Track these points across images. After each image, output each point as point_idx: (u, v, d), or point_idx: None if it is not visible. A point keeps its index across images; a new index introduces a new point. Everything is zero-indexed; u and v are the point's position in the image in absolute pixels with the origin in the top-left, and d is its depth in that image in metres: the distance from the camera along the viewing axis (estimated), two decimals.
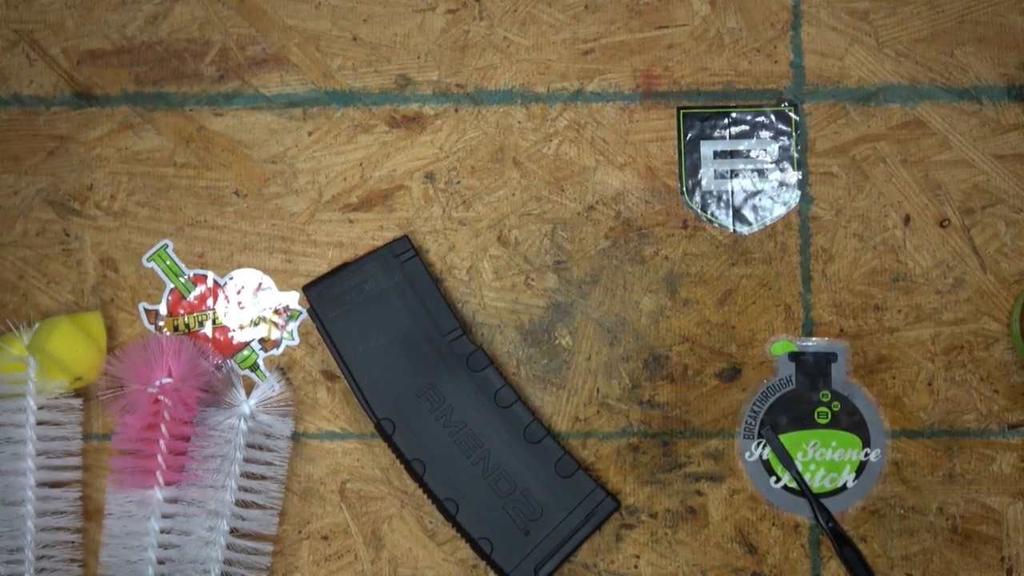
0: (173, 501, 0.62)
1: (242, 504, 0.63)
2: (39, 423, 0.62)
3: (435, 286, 0.63)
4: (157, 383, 0.62)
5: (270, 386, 0.63)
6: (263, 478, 0.63)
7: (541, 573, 0.60)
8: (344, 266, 0.63)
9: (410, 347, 0.62)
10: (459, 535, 0.61)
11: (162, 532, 0.62)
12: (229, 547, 0.62)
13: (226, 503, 0.62)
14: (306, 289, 0.62)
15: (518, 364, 0.64)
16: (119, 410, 0.63)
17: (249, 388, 0.64)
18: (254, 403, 0.63)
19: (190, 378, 0.62)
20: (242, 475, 0.62)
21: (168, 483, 0.62)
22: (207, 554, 0.62)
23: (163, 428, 0.62)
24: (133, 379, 0.62)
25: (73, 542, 0.63)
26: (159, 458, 0.62)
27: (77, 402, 0.64)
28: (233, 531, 0.62)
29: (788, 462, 0.62)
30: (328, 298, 0.62)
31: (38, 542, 0.62)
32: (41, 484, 0.62)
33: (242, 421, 0.62)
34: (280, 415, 0.63)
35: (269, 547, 0.63)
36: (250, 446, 0.63)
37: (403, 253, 0.63)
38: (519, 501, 0.60)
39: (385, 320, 0.62)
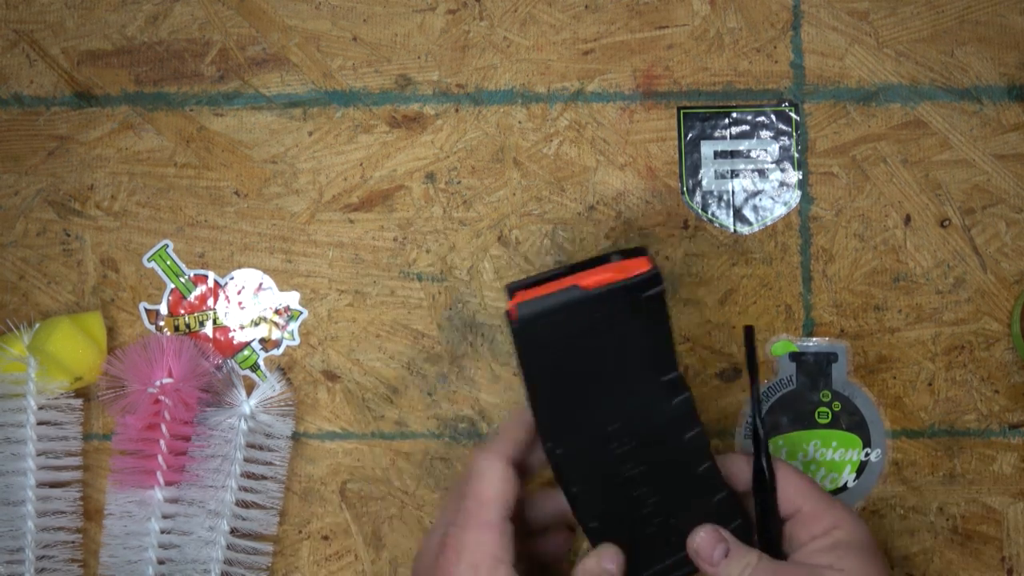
0: (173, 501, 0.62)
1: (242, 504, 0.63)
2: (39, 423, 0.62)
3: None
4: (157, 383, 0.62)
5: (270, 386, 0.63)
6: (263, 478, 0.63)
7: None
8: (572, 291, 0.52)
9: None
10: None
11: (162, 532, 0.62)
12: (229, 547, 0.62)
13: (226, 503, 0.62)
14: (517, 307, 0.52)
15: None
16: (119, 410, 0.63)
17: (249, 388, 0.64)
18: (254, 403, 0.63)
19: (191, 378, 0.62)
20: (242, 475, 0.62)
21: (168, 483, 0.62)
22: (207, 554, 0.62)
23: (163, 428, 0.62)
24: (133, 379, 0.62)
25: (73, 542, 0.63)
26: (159, 458, 0.62)
27: (77, 402, 0.64)
28: (233, 531, 0.62)
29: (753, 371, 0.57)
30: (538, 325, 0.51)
31: (38, 542, 0.62)
32: (41, 484, 0.62)
33: (242, 421, 0.62)
34: (280, 415, 0.63)
35: (269, 547, 0.63)
36: (250, 446, 0.63)
37: (650, 288, 0.52)
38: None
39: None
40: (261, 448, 0.63)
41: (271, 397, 0.63)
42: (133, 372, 0.62)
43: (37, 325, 0.63)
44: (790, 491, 0.55)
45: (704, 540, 0.54)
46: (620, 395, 0.53)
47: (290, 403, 0.64)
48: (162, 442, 0.62)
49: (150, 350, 0.63)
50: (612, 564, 0.54)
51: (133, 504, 0.62)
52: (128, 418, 0.62)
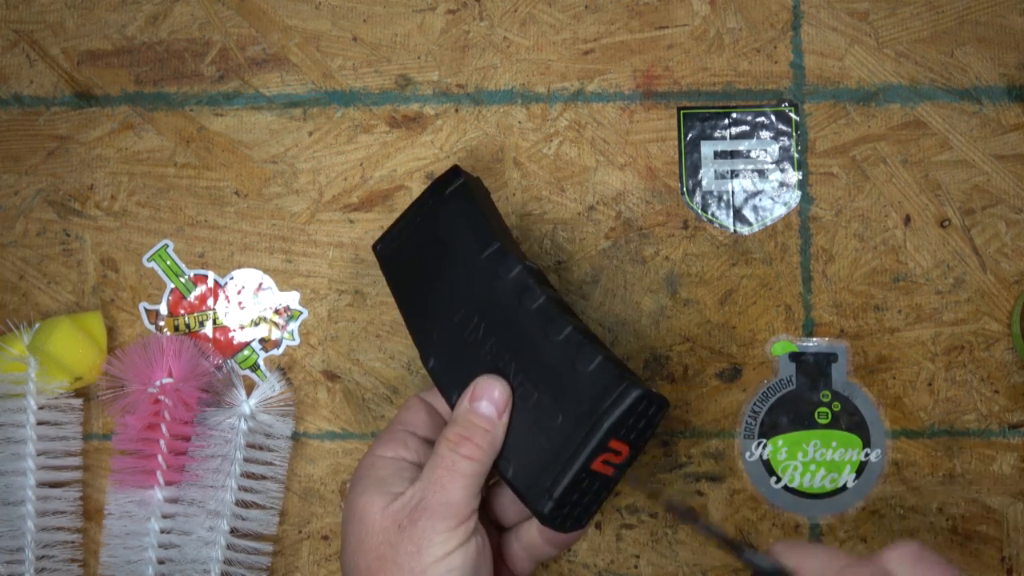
0: (173, 501, 0.62)
1: (242, 504, 0.63)
2: (39, 423, 0.62)
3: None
4: (157, 383, 0.62)
5: (270, 386, 0.63)
6: (263, 478, 0.63)
7: (555, 490, 0.51)
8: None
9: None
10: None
11: (162, 532, 0.62)
12: (229, 547, 0.62)
13: (226, 503, 0.62)
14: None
15: None
16: (119, 410, 0.63)
17: (249, 388, 0.64)
18: (254, 403, 0.63)
19: (190, 378, 0.62)
20: (242, 475, 0.62)
21: (168, 483, 0.62)
22: (207, 554, 0.62)
23: (163, 428, 0.62)
24: (133, 379, 0.62)
25: (73, 542, 0.63)
26: (159, 458, 0.62)
27: (77, 402, 0.64)
28: (233, 531, 0.62)
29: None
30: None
31: (38, 542, 0.62)
32: (41, 484, 0.62)
33: (242, 421, 0.62)
34: (280, 415, 0.63)
35: (269, 547, 0.63)
36: (250, 446, 0.63)
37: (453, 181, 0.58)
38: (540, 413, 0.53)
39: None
40: (261, 448, 0.63)
41: (271, 397, 0.63)
42: (133, 372, 0.62)
43: (37, 325, 0.63)
44: None
45: None
46: (465, 287, 0.56)
47: (290, 403, 0.64)
48: (162, 442, 0.62)
49: (150, 350, 0.63)
50: (485, 400, 0.52)
51: (133, 504, 0.62)
52: (128, 418, 0.62)
